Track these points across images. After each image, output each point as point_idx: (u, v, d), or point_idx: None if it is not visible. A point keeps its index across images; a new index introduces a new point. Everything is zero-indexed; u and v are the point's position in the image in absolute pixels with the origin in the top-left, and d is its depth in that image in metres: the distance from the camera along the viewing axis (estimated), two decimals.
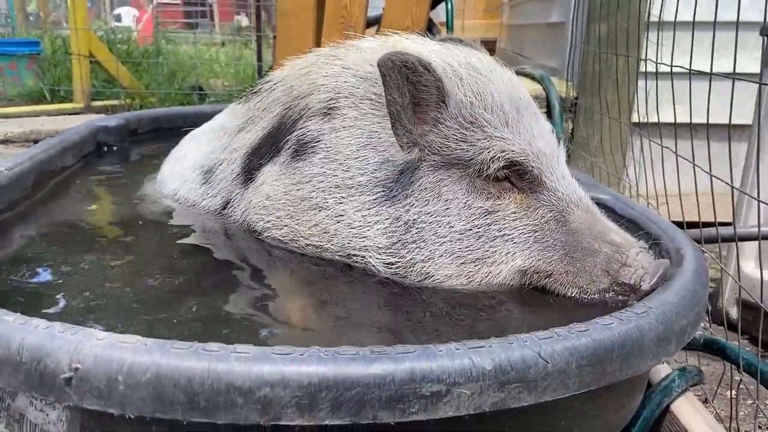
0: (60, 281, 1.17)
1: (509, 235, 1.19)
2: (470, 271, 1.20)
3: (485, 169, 1.19)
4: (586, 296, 1.16)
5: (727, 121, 1.44)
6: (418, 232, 1.21)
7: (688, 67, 1.52)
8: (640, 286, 1.11)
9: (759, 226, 1.41)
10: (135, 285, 1.16)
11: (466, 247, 1.19)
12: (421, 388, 0.76)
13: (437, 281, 1.21)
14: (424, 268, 1.21)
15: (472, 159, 1.20)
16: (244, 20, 13.57)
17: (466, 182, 1.21)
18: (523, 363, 0.79)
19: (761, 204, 1.68)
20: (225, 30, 11.73)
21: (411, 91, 1.17)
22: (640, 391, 1.14)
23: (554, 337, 0.83)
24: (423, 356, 0.77)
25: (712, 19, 1.41)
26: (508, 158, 1.19)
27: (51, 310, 1.05)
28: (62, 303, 1.08)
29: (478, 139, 1.20)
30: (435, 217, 1.20)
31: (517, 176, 1.21)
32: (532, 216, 1.20)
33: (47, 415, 0.84)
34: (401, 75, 1.14)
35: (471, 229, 1.20)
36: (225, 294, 1.16)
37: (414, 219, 1.21)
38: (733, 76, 1.26)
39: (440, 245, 1.20)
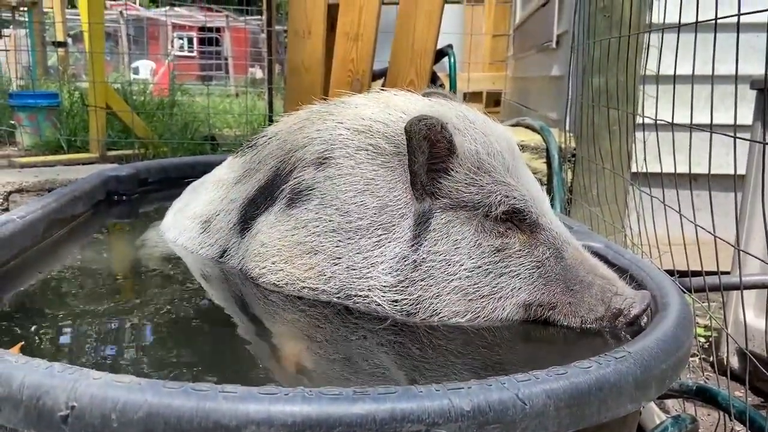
0: (62, 324, 1.22)
1: (515, 271, 1.27)
2: (477, 308, 1.26)
3: (493, 210, 1.27)
4: (585, 325, 1.25)
5: (723, 172, 1.50)
6: (427, 270, 1.26)
7: (666, 121, 1.57)
8: (630, 312, 1.21)
9: (740, 275, 1.43)
10: (134, 328, 1.20)
11: (475, 283, 1.26)
12: (402, 427, 0.78)
13: (444, 318, 1.26)
14: (432, 305, 1.26)
15: (480, 201, 1.28)
16: (258, 73, 13.91)
17: (474, 223, 1.28)
18: (501, 404, 0.82)
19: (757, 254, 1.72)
20: (239, 82, 12.03)
21: (429, 148, 1.25)
22: None
23: (532, 380, 0.86)
24: (404, 397, 0.80)
25: (703, 73, 1.47)
26: (511, 203, 1.28)
27: (53, 352, 1.09)
28: (64, 345, 1.13)
29: (487, 183, 1.28)
30: (444, 256, 1.26)
31: (518, 219, 1.30)
32: (534, 253, 1.29)
33: None
34: (425, 137, 1.22)
35: (481, 267, 1.26)
36: (222, 336, 1.20)
37: (423, 258, 1.26)
38: (711, 131, 1.31)
39: (449, 282, 1.25)
